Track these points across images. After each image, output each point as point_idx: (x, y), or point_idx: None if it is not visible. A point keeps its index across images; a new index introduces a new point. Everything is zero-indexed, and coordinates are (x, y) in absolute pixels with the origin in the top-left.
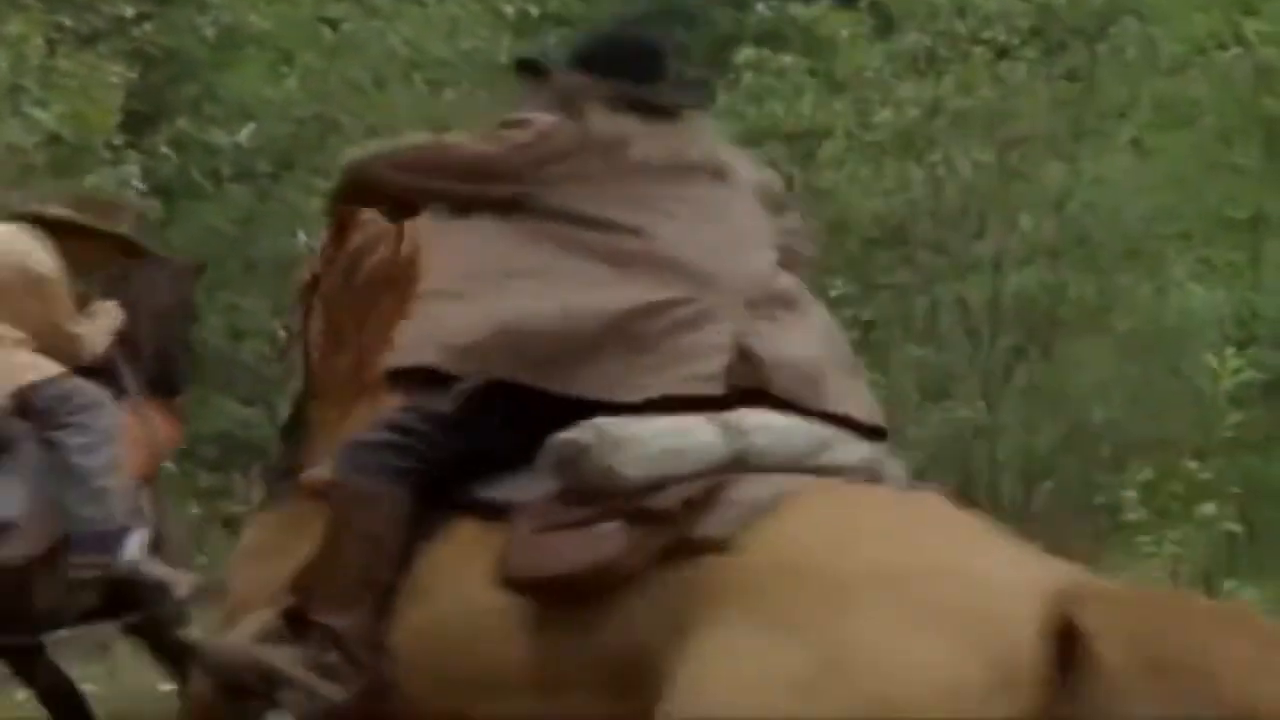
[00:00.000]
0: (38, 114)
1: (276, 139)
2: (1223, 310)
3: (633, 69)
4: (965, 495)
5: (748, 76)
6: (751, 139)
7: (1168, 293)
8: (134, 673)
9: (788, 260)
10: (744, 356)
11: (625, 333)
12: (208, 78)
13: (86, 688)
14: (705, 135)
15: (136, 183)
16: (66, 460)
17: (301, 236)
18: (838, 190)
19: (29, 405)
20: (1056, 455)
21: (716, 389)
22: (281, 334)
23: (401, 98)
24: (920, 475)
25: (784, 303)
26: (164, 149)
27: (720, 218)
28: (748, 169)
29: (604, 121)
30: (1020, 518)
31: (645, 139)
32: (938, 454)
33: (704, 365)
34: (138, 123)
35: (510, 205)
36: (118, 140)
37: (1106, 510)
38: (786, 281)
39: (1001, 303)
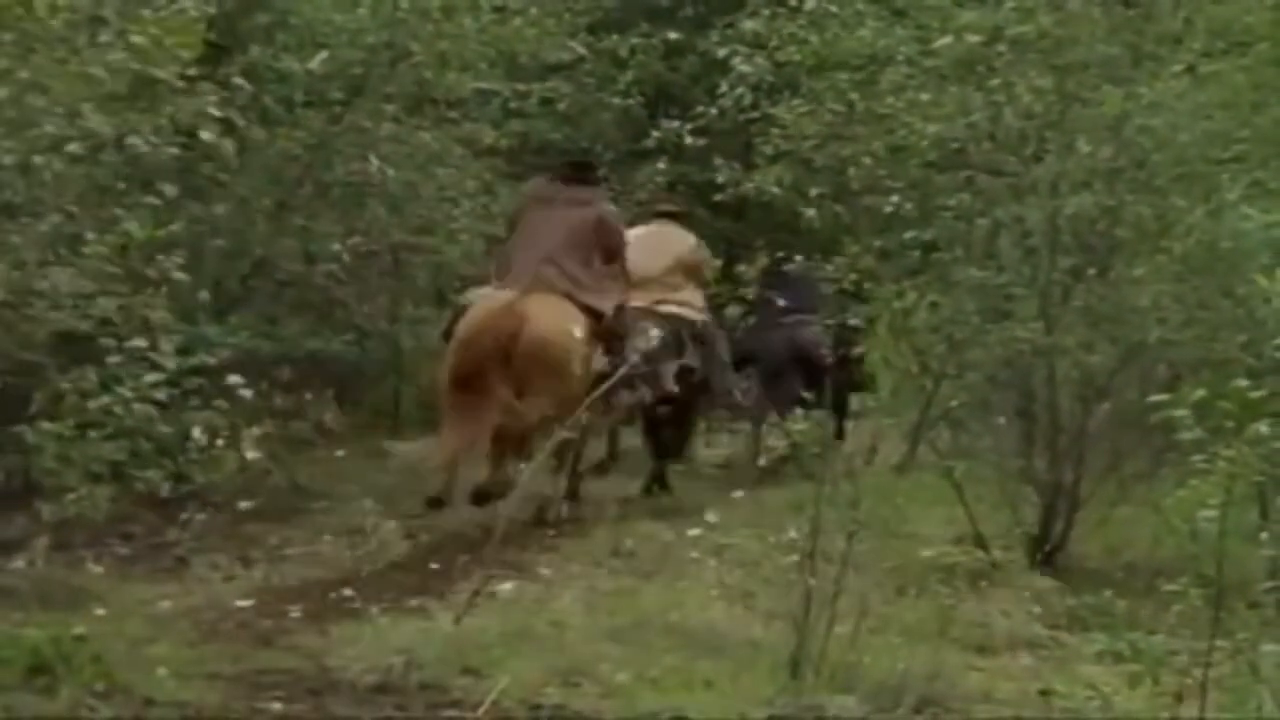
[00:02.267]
0: (118, 45)
1: (347, 66)
2: (1275, 232)
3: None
4: (1025, 415)
5: (810, 4)
6: (815, 66)
7: (1221, 215)
8: (208, 588)
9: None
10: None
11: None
12: (280, 5)
13: (163, 604)
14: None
15: (213, 110)
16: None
17: (373, 161)
18: (899, 116)
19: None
20: (1114, 375)
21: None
22: (347, 257)
23: (469, 26)
24: (980, 394)
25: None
26: (237, 79)
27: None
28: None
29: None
30: (1079, 437)
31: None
32: (997, 374)
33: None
34: (214, 53)
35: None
36: (192, 71)
37: (1162, 429)
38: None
39: (1059, 225)
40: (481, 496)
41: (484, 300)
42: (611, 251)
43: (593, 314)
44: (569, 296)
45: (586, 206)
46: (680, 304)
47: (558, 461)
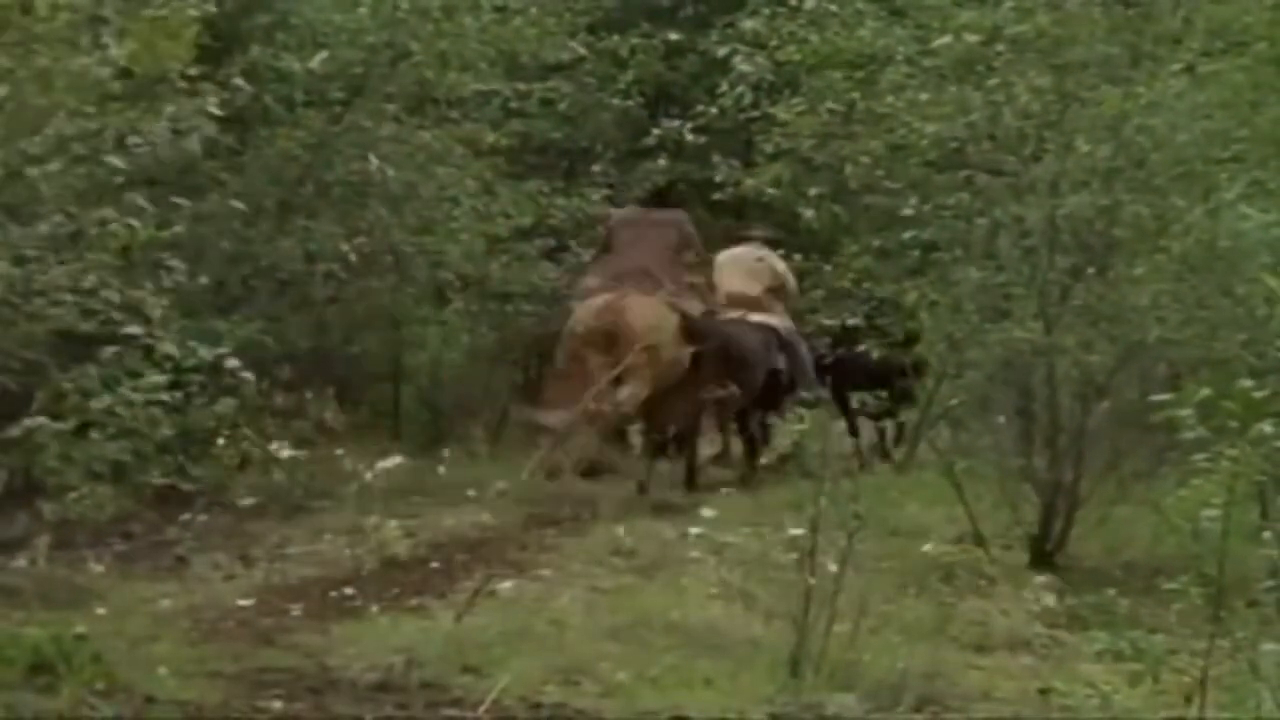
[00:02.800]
0: (116, 46)
1: (348, 66)
2: (1275, 232)
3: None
4: (1024, 414)
5: (810, 3)
6: (815, 65)
7: (1220, 214)
8: (208, 586)
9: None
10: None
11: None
12: (281, 6)
13: (164, 603)
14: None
15: (214, 110)
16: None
17: (373, 160)
18: (898, 115)
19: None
20: (1113, 374)
21: None
22: (352, 256)
23: (470, 25)
24: (980, 393)
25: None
26: (237, 79)
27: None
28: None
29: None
30: (1079, 436)
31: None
32: (996, 373)
33: None
34: (213, 53)
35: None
36: (193, 71)
37: (1163, 429)
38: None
39: (1058, 224)
40: (589, 472)
41: (588, 300)
42: (691, 259)
43: (680, 313)
44: (659, 298)
45: (668, 226)
46: (767, 315)
47: (650, 445)
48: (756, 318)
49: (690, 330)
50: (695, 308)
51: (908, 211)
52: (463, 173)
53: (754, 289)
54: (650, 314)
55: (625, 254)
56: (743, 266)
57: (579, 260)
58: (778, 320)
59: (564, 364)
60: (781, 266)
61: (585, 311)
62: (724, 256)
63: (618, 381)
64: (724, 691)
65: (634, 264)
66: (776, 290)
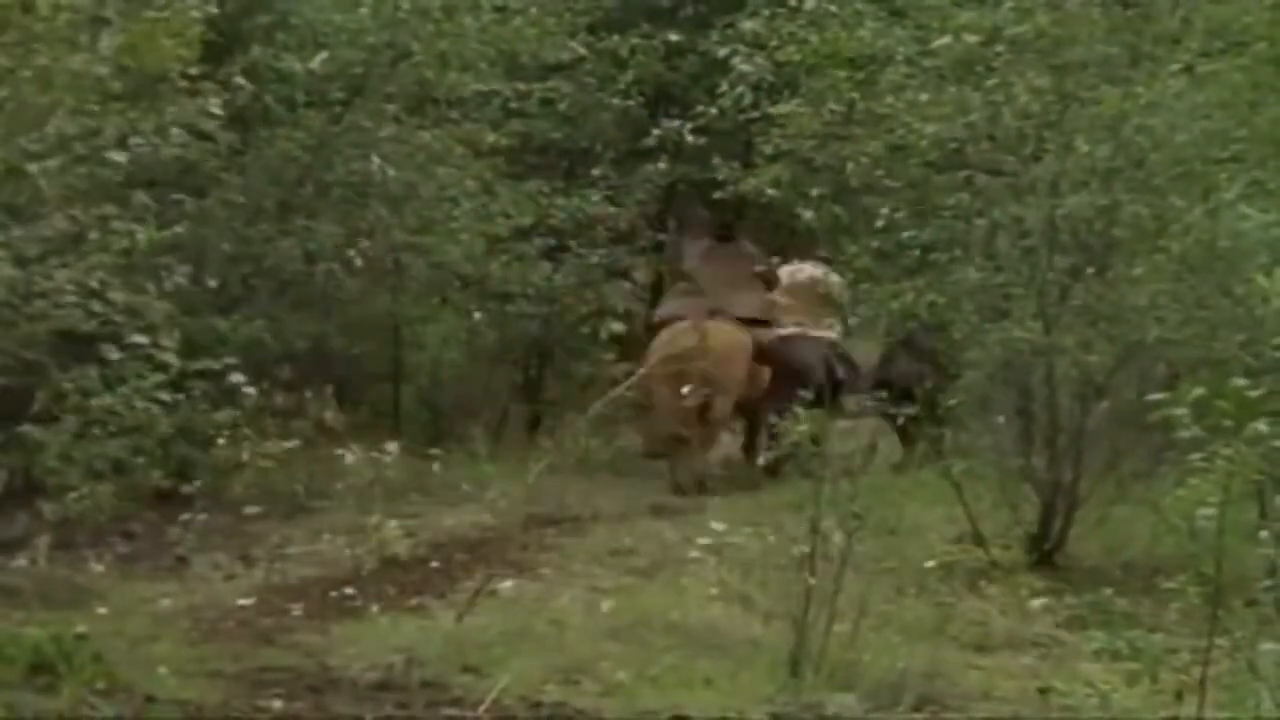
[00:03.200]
0: (117, 45)
1: (348, 66)
2: (1274, 232)
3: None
4: (1024, 414)
5: (810, 4)
6: (814, 66)
7: (1219, 214)
8: (209, 586)
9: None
10: None
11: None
12: (281, 6)
13: (164, 603)
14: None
15: (217, 110)
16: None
17: (374, 160)
18: (898, 115)
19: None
20: (1112, 374)
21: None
22: (353, 257)
23: (470, 25)
24: (979, 393)
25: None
26: (238, 79)
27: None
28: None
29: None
30: (1078, 436)
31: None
32: (995, 373)
33: None
34: (214, 53)
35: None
36: (194, 71)
37: (1162, 428)
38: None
39: (1057, 224)
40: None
41: (671, 327)
42: (759, 280)
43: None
44: (734, 319)
45: (739, 258)
46: (827, 329)
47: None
48: (816, 333)
49: (762, 349)
50: (763, 328)
51: (900, 214)
52: (463, 173)
53: (813, 304)
54: (727, 336)
55: (701, 283)
56: (802, 282)
57: (579, 260)
58: (833, 334)
59: (652, 386)
60: (836, 280)
61: (669, 336)
62: (784, 273)
63: (706, 400)
64: (724, 691)
65: (710, 291)
66: (832, 304)
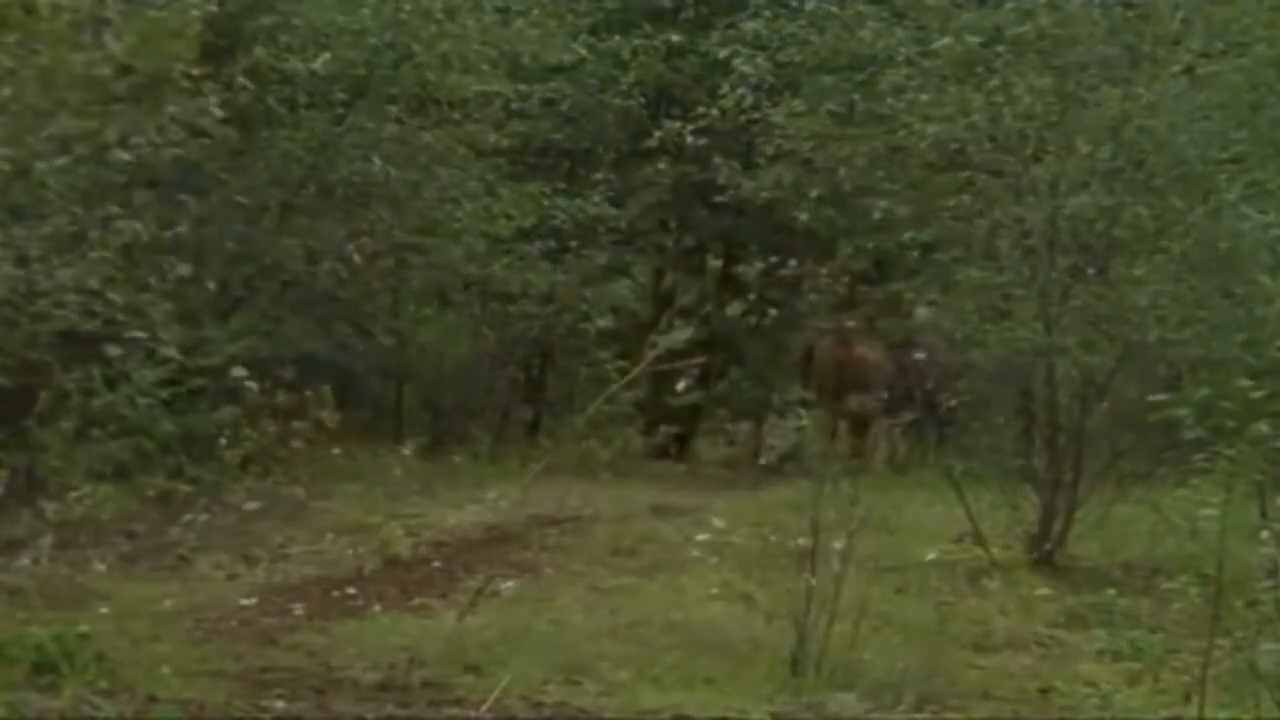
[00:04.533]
0: (117, 45)
1: (351, 67)
2: (1274, 233)
3: None
4: (1024, 414)
5: (811, 5)
6: (815, 66)
7: (1220, 215)
8: (211, 586)
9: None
10: None
11: None
12: (284, 7)
13: (166, 602)
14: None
15: (216, 110)
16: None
17: (376, 161)
18: (899, 116)
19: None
20: (1113, 375)
21: None
22: (355, 257)
23: (472, 27)
24: (981, 394)
25: None
26: (241, 79)
27: None
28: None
29: None
30: (1078, 436)
31: None
32: (997, 374)
33: None
34: (216, 53)
35: None
36: (196, 71)
37: (1162, 429)
38: None
39: (1058, 225)
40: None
41: (824, 341)
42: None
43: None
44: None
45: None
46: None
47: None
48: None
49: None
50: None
51: (905, 212)
52: (465, 174)
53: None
54: (870, 349)
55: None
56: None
57: (581, 260)
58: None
59: (817, 389)
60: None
61: (826, 347)
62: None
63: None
64: (725, 690)
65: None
66: None
